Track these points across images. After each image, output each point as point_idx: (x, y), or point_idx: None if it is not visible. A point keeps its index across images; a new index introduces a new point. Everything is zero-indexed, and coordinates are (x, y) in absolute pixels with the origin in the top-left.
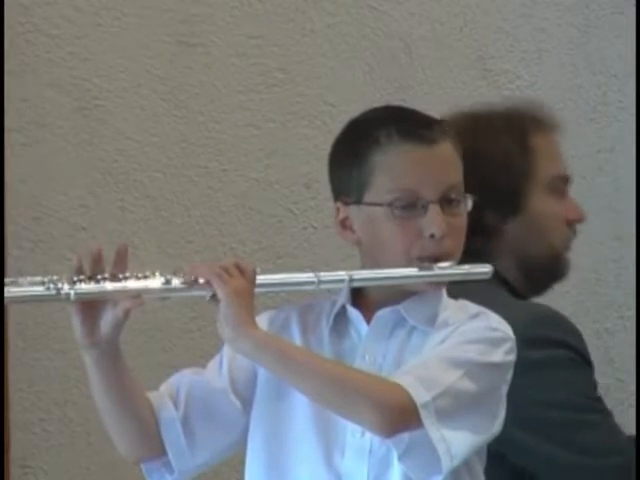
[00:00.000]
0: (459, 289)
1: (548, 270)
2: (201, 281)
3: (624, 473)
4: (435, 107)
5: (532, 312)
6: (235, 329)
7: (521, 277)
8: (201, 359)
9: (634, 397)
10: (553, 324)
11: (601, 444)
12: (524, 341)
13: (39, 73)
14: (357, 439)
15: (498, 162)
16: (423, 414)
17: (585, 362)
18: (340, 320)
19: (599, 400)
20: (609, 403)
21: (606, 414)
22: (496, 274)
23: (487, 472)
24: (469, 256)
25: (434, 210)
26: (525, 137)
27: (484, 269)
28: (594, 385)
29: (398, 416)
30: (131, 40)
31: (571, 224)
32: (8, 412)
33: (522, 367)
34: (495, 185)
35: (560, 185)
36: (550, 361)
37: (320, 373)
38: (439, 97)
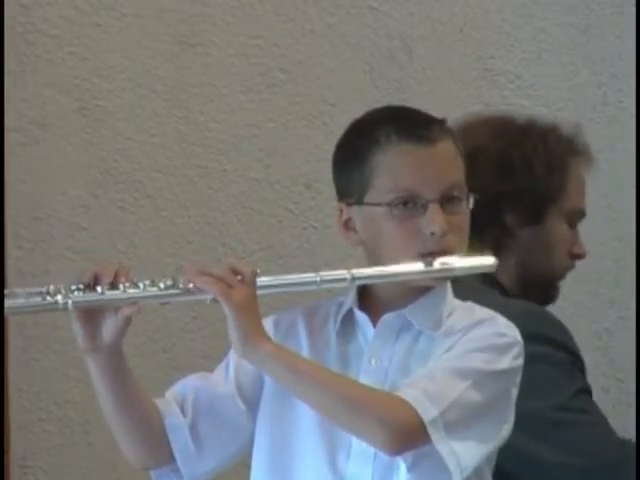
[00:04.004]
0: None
1: (541, 290)
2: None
3: (609, 474)
4: (435, 107)
5: (523, 308)
6: (244, 344)
7: (518, 288)
8: (201, 359)
9: (634, 397)
10: (541, 321)
11: (587, 444)
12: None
13: (39, 73)
14: (362, 444)
15: (538, 172)
16: (431, 430)
17: (577, 361)
18: (347, 323)
19: (588, 400)
20: (609, 403)
21: (594, 415)
22: (494, 277)
23: None
24: (476, 247)
25: (434, 209)
26: (566, 160)
27: (488, 262)
28: (584, 385)
29: (405, 435)
30: (131, 40)
31: (573, 257)
32: (8, 412)
33: None
34: (527, 191)
35: (576, 219)
36: (540, 357)
37: (329, 389)
38: (439, 97)
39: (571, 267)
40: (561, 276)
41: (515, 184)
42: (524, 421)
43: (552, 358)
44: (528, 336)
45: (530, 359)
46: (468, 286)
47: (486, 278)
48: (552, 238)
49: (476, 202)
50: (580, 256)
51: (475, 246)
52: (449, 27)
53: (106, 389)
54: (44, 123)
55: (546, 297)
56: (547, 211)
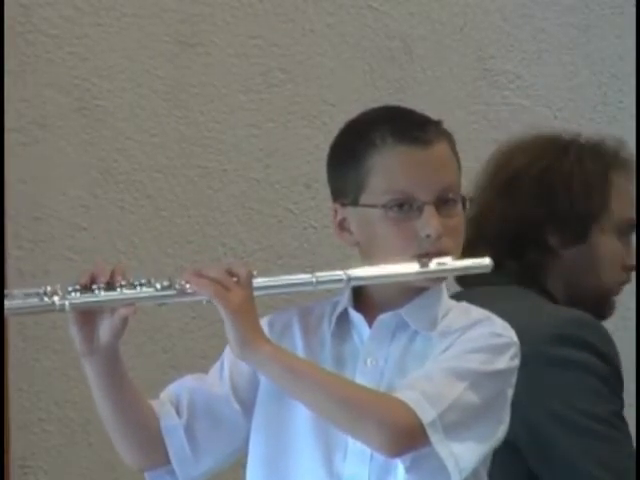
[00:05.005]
0: (493, 294)
1: (592, 307)
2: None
3: None
4: (435, 107)
5: (573, 316)
6: (243, 347)
7: (568, 303)
8: (201, 359)
9: (634, 397)
10: (590, 329)
11: (616, 462)
12: (560, 338)
13: (39, 73)
14: (358, 444)
15: (576, 192)
16: (430, 432)
17: (617, 377)
18: (342, 323)
19: (623, 420)
20: None
21: (626, 434)
22: (545, 291)
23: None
24: (523, 268)
25: (429, 211)
26: (606, 176)
27: (484, 262)
28: (621, 401)
29: (404, 437)
30: (131, 40)
31: (625, 269)
32: (8, 412)
33: (553, 363)
34: (567, 211)
35: (627, 229)
36: (581, 364)
37: (327, 391)
38: (439, 97)
39: (626, 280)
40: (615, 291)
41: (555, 205)
42: (559, 422)
43: (593, 367)
44: (574, 342)
45: (570, 363)
46: (519, 294)
47: (535, 285)
48: (598, 255)
49: (517, 224)
50: (631, 267)
51: (517, 269)
52: (449, 27)
53: (103, 392)
54: (44, 123)
55: (599, 313)
56: (590, 229)
